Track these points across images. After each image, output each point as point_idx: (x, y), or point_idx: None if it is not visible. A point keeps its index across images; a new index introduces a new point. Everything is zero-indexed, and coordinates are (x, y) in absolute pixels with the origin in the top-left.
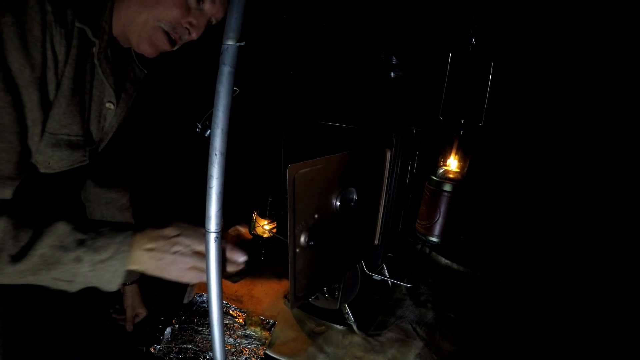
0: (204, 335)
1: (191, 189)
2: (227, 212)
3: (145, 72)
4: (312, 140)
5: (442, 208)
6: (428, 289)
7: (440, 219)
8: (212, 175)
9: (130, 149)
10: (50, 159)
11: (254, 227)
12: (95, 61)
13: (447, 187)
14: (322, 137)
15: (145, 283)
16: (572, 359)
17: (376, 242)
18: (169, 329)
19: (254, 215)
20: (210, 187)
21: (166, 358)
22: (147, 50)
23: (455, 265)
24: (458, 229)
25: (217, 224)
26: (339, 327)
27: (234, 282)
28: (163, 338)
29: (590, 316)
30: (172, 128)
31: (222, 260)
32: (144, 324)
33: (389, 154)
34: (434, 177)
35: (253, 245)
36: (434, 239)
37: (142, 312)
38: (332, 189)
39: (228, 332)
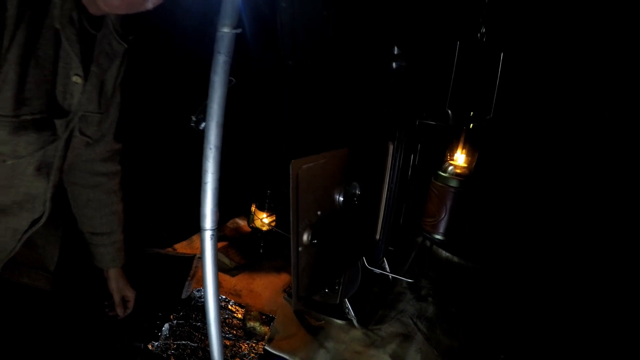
0: (203, 332)
1: (186, 181)
2: (225, 204)
3: (126, 46)
4: (314, 132)
5: (449, 205)
6: (429, 282)
7: (447, 216)
8: (206, 170)
9: (123, 134)
10: (18, 146)
11: (253, 220)
12: (57, 25)
13: (454, 183)
14: (324, 129)
15: (143, 278)
16: (571, 352)
17: (377, 236)
18: (167, 325)
19: (253, 208)
20: (205, 183)
21: (164, 355)
22: (112, 1)
23: (455, 259)
24: (464, 226)
25: (212, 221)
26: (339, 321)
27: (233, 276)
28: (161, 334)
29: (590, 311)
30: (166, 119)
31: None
32: (141, 320)
33: (391, 147)
34: (440, 173)
35: (252, 238)
36: (440, 237)
37: (129, 294)
38: (336, 184)
39: (227, 328)
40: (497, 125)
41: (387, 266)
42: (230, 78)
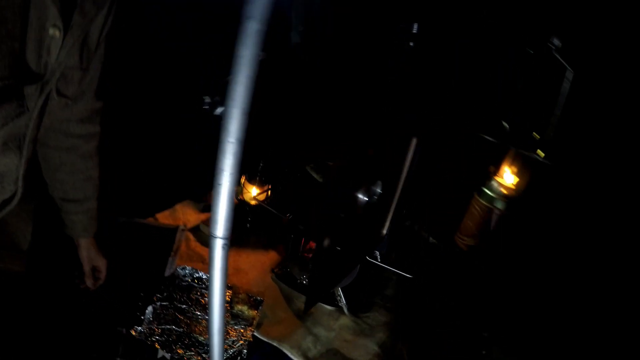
0: (189, 315)
1: (170, 144)
2: (210, 172)
3: None
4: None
5: (492, 226)
6: (417, 269)
7: (487, 238)
8: (222, 169)
9: (105, 92)
10: None
11: (241, 192)
12: None
13: (500, 205)
14: (342, 118)
15: (121, 250)
16: (562, 342)
17: (384, 231)
18: (150, 308)
19: (242, 180)
20: (219, 184)
21: (148, 341)
22: None
23: (441, 245)
24: (500, 246)
25: (226, 229)
26: (328, 307)
27: None
28: (144, 318)
29: (586, 311)
30: (152, 78)
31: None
32: (122, 301)
33: (414, 141)
34: (486, 191)
35: (238, 211)
36: (475, 258)
37: (101, 264)
38: (362, 183)
39: None
40: (555, 147)
41: (378, 256)
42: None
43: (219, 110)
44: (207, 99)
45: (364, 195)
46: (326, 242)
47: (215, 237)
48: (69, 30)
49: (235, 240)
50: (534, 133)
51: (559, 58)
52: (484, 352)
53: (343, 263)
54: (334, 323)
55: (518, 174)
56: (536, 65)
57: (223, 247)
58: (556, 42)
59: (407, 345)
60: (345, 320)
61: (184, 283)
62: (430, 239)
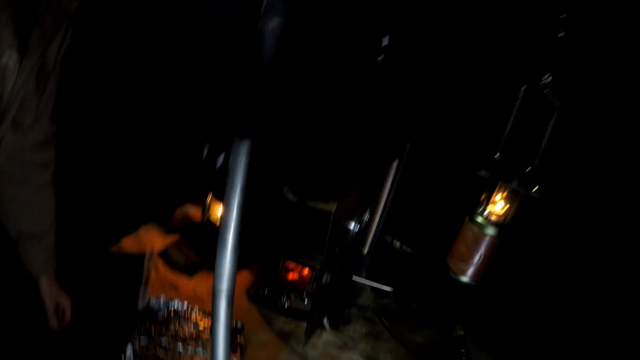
0: (170, 352)
1: (134, 163)
2: (174, 189)
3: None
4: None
5: (483, 251)
6: (390, 277)
7: (480, 262)
8: (227, 227)
9: (60, 114)
10: None
11: (208, 212)
12: None
13: (491, 231)
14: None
15: (91, 290)
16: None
17: (365, 251)
18: (129, 349)
19: (209, 198)
20: (225, 237)
21: None
22: None
23: (408, 250)
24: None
25: (230, 280)
26: None
27: (191, 275)
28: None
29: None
30: (110, 89)
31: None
32: (101, 343)
33: (396, 163)
34: (477, 216)
35: (203, 230)
36: (467, 280)
37: (65, 302)
38: (355, 214)
39: (193, 342)
40: (541, 176)
41: None
42: None
43: (219, 161)
44: (206, 148)
45: (356, 224)
46: (324, 279)
47: (221, 290)
48: (28, 51)
49: (205, 263)
50: (528, 168)
51: (550, 94)
52: (462, 350)
53: (337, 288)
54: (317, 340)
55: (507, 201)
56: (528, 101)
57: (227, 299)
58: (547, 77)
59: (390, 355)
60: (328, 335)
61: (159, 316)
62: (409, 248)
